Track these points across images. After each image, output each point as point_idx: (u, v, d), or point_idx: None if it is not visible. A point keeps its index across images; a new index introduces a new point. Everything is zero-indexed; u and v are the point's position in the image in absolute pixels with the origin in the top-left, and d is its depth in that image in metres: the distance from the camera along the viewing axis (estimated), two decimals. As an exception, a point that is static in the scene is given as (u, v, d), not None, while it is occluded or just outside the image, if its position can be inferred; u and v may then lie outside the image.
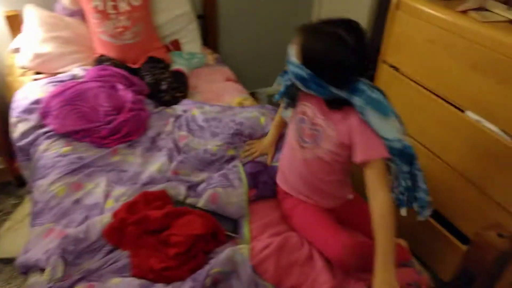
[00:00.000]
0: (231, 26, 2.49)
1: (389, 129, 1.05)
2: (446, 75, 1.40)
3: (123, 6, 1.85)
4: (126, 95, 1.67)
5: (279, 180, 1.35)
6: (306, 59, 1.04)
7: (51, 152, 1.45)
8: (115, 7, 1.84)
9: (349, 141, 1.11)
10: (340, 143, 1.13)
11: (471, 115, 1.37)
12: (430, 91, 1.49)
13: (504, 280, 1.40)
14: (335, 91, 1.04)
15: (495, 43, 1.23)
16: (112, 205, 1.26)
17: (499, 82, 1.23)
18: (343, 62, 1.00)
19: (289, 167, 1.29)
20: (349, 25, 1.02)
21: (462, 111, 1.39)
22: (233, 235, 1.23)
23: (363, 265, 1.12)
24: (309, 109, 1.17)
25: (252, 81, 2.62)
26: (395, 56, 1.62)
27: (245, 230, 1.27)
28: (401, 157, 1.07)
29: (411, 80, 1.55)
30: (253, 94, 2.55)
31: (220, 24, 2.46)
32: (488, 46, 1.25)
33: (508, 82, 1.21)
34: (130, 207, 1.20)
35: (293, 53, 1.07)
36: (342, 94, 1.05)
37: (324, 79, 1.02)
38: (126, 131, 1.55)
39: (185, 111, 1.75)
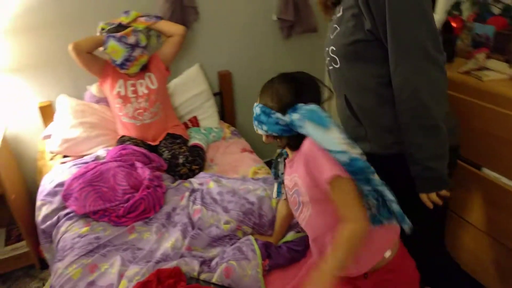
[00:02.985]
0: (246, 98, 2.61)
1: (331, 141, 0.99)
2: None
3: (142, 90, 2.00)
4: (144, 172, 1.73)
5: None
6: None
7: (70, 234, 1.49)
8: (134, 92, 1.99)
9: (311, 176, 1.04)
10: (311, 186, 1.05)
11: (487, 171, 1.31)
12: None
13: None
14: (280, 116, 1.06)
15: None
16: (125, 286, 1.25)
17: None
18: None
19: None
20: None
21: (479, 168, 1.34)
22: (249, 313, 1.18)
23: None
24: (286, 179, 1.20)
25: (268, 150, 2.67)
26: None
27: (262, 305, 1.21)
28: (354, 174, 0.99)
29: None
30: (269, 163, 2.58)
31: (235, 98, 2.58)
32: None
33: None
34: (143, 287, 1.19)
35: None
36: (286, 118, 1.06)
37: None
38: (142, 208, 1.58)
39: (201, 184, 1.78)
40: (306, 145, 1.05)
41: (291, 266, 1.34)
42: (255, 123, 1.14)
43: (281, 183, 1.30)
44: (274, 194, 1.34)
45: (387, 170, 1.11)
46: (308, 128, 1.02)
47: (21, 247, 2.07)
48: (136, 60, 1.94)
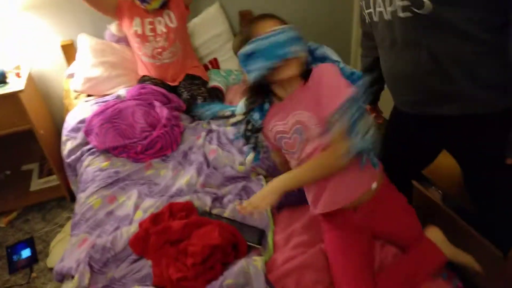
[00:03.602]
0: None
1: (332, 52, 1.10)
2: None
3: (160, 28, 1.96)
4: (162, 111, 1.75)
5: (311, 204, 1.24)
6: None
7: (92, 168, 1.56)
8: (152, 30, 1.96)
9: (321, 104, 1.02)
10: (323, 110, 1.02)
11: None
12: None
13: None
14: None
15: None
16: (140, 216, 1.31)
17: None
18: None
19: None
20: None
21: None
22: (256, 245, 1.22)
23: None
24: (278, 125, 1.14)
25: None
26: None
27: (269, 240, 1.25)
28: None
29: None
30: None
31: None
32: None
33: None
34: (155, 218, 1.24)
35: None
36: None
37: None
38: (160, 146, 1.62)
39: (219, 125, 1.79)
40: (324, 69, 1.05)
41: (300, 206, 1.36)
42: (292, 47, 1.00)
43: (256, 147, 1.22)
44: (249, 162, 1.26)
45: (477, 133, 1.04)
46: (327, 51, 1.09)
47: (53, 180, 2.22)
48: (159, -6, 1.88)
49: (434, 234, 1.21)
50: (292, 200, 1.35)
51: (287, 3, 2.45)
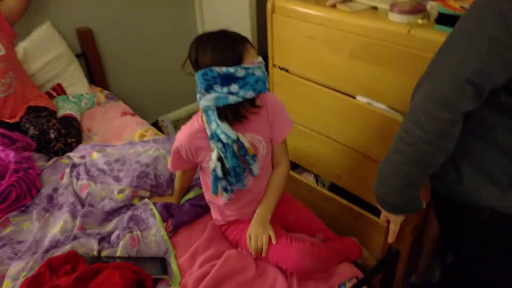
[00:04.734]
0: (116, 56, 2.37)
1: None
2: (331, 66, 1.47)
3: (-15, 59, 1.64)
4: (7, 155, 1.47)
5: (218, 216, 1.28)
6: None
7: None
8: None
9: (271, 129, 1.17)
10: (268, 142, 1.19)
11: (361, 99, 1.45)
12: (320, 84, 1.55)
13: (425, 250, 1.50)
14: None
15: (364, 30, 1.31)
16: (9, 287, 1.08)
17: (376, 64, 1.32)
18: None
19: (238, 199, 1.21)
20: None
21: (353, 97, 1.47)
22: (162, 276, 1.14)
23: (320, 267, 1.15)
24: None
25: (152, 111, 2.52)
26: (282, 58, 1.66)
27: (173, 266, 1.19)
28: None
29: (302, 78, 1.60)
30: (156, 124, 2.45)
31: (104, 58, 2.32)
32: (359, 33, 1.33)
33: (382, 62, 1.30)
34: (33, 282, 1.04)
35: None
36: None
37: None
38: (14, 196, 1.36)
39: (82, 157, 1.60)
40: (273, 96, 1.17)
41: (196, 222, 1.33)
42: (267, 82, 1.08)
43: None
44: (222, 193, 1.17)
45: None
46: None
47: None
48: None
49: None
50: (186, 217, 1.31)
51: (129, 19, 2.34)
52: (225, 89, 0.98)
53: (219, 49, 0.99)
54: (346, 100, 1.48)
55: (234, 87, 0.98)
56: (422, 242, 1.41)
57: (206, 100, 1.00)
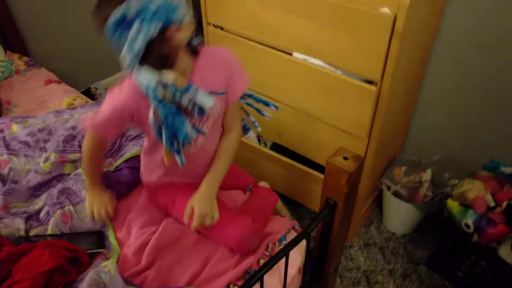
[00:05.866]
0: (36, 21, 2.12)
1: None
2: (266, 23, 1.42)
3: None
4: None
5: (151, 178, 1.18)
6: None
7: None
8: None
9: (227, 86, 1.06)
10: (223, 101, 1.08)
11: (298, 55, 1.43)
12: (256, 42, 1.50)
13: (360, 202, 1.56)
14: None
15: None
16: None
17: (310, 20, 1.30)
18: None
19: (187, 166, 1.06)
20: None
21: (290, 53, 1.45)
22: (98, 250, 1.09)
23: (259, 239, 1.14)
24: None
25: (83, 78, 2.33)
26: (217, 16, 1.58)
27: (111, 239, 1.14)
28: None
29: (238, 35, 1.55)
30: (88, 92, 2.28)
31: (20, 21, 2.07)
32: (292, -13, 1.29)
33: (317, 18, 1.28)
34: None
35: None
36: None
37: None
38: None
39: (1, 131, 1.45)
40: (227, 50, 1.05)
41: (134, 190, 1.27)
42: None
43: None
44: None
45: None
46: None
47: None
48: None
49: (264, 184, 1.42)
50: (123, 189, 1.25)
51: None
52: (131, 34, 0.86)
53: (101, 3, 0.88)
54: (282, 57, 1.46)
55: (135, 27, 0.85)
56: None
57: (124, 54, 0.89)
